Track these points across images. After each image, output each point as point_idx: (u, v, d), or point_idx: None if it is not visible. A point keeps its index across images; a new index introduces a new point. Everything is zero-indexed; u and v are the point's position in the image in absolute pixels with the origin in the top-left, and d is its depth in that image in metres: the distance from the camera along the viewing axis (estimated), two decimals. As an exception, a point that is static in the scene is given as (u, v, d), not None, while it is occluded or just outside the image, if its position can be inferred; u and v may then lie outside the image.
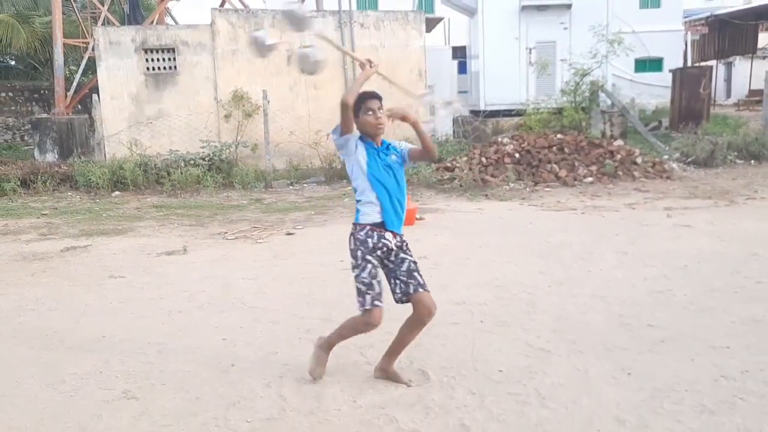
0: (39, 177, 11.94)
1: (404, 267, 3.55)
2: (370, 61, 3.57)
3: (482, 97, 16.75)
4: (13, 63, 24.63)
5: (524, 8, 16.56)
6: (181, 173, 11.78)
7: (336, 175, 12.36)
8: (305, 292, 5.61)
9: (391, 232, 3.54)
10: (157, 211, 10.00)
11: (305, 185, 12.19)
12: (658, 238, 7.18)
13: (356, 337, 4.33)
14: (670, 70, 19.50)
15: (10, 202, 11.00)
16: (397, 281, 3.55)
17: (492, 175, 11.34)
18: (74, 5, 18.54)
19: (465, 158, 11.85)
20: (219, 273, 6.33)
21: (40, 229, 8.78)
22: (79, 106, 18.27)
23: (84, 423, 3.35)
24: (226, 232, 8.22)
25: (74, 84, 16.65)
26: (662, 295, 5.12)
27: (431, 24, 18.38)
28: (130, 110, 13.64)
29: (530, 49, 16.93)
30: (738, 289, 5.19)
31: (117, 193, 11.70)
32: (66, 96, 16.10)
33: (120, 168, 12.00)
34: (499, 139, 12.55)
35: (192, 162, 12.17)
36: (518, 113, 15.27)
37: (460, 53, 21.25)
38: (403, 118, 3.50)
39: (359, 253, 3.50)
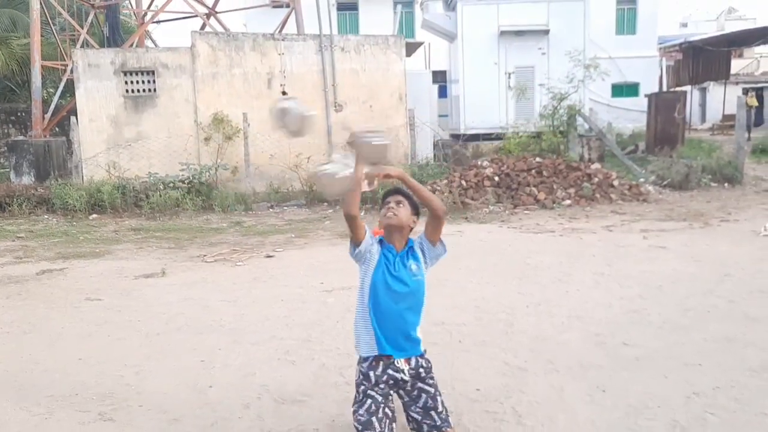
0: (15, 200, 11.84)
1: (420, 403, 3.02)
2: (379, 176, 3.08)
3: (462, 121, 16.99)
4: (-10, 85, 24.44)
5: (503, 33, 16.89)
6: (160, 196, 11.74)
7: (316, 197, 12.38)
8: (284, 314, 5.60)
9: (404, 359, 3.02)
10: (136, 234, 9.94)
11: (285, 208, 12.20)
12: (634, 259, 7.28)
13: (336, 359, 4.37)
14: (646, 95, 19.95)
15: (-14, 224, 10.87)
16: (411, 416, 3.05)
17: (472, 198, 11.45)
18: (53, 27, 18.50)
19: (445, 181, 11.95)
20: (198, 295, 6.30)
21: (16, 252, 8.68)
22: (57, 129, 18.16)
23: (58, 446, 3.32)
24: (205, 255, 8.19)
25: (52, 106, 16.55)
26: (637, 315, 5.20)
27: (411, 48, 18.61)
28: (108, 132, 13.60)
29: (509, 74, 17.27)
30: (711, 309, 5.28)
31: (95, 215, 11.61)
32: (43, 118, 16.00)
33: (98, 191, 11.93)
34: (479, 163, 12.70)
35: (171, 185, 12.13)
36: (498, 137, 15.49)
37: (440, 77, 21.57)
38: (386, 176, 3.08)
39: (361, 387, 3.00)
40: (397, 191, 3.12)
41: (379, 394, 2.95)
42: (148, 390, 4.00)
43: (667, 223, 9.49)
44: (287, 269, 7.36)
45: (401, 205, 3.06)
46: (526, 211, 10.87)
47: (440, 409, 3.02)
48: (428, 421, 2.99)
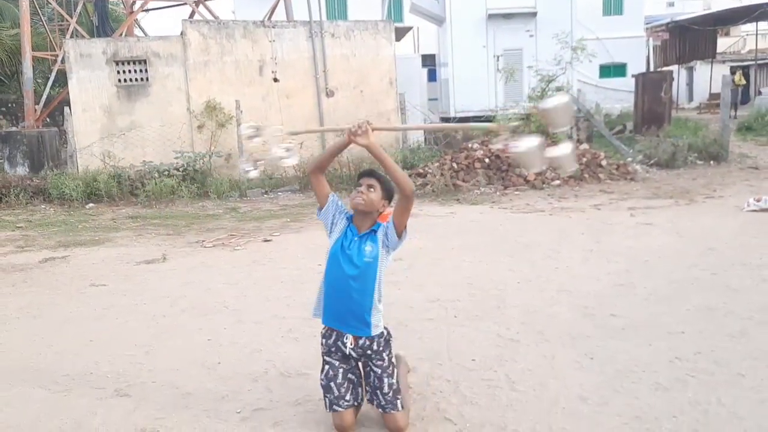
0: (11, 190, 11.93)
1: (369, 380, 3.24)
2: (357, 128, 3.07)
3: (452, 104, 17.13)
4: (-22, 76, 24.33)
5: (491, 16, 17.00)
6: (156, 184, 11.87)
7: (309, 183, 12.52)
8: (285, 294, 5.80)
9: (352, 335, 3.18)
10: (133, 222, 10.08)
11: (280, 194, 12.36)
12: (622, 236, 7.52)
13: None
14: (633, 75, 20.14)
15: (-17, 215, 10.98)
16: (366, 389, 3.29)
17: (463, 180, 11.65)
18: (42, 17, 18.47)
19: (437, 164, 12.13)
20: (199, 279, 6.48)
21: (17, 242, 8.82)
22: (48, 120, 18.17)
23: (79, 419, 3.51)
24: (203, 241, 8.36)
25: (43, 97, 16.58)
26: (624, 288, 5.43)
27: (401, 33, 18.71)
28: (102, 122, 13.66)
29: (498, 57, 17.40)
30: (694, 281, 5.53)
31: (91, 205, 11.73)
32: (35, 109, 16.03)
33: (94, 180, 12.03)
34: (470, 145, 12.88)
35: (166, 173, 12.26)
36: (487, 119, 15.61)
37: (429, 61, 21.66)
38: (352, 142, 3.07)
39: (322, 351, 3.27)
40: (371, 173, 3.23)
41: (336, 360, 3.21)
42: (159, 368, 4.20)
43: (654, 200, 9.74)
44: (285, 252, 7.55)
45: (372, 189, 3.16)
46: (516, 192, 11.09)
47: (386, 390, 3.16)
48: (376, 399, 3.21)
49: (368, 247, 3.15)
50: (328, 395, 3.19)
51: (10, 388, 3.98)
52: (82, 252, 8.04)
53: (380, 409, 3.20)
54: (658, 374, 3.70)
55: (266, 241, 8.23)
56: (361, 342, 3.19)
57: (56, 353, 4.59)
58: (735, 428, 3.11)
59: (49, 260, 7.63)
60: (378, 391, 3.19)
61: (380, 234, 3.18)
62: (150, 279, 6.62)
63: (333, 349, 3.23)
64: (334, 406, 3.17)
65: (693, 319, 4.61)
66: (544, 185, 11.40)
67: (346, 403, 3.17)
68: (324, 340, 3.26)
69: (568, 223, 8.47)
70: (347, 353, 3.20)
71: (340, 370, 3.21)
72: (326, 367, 3.23)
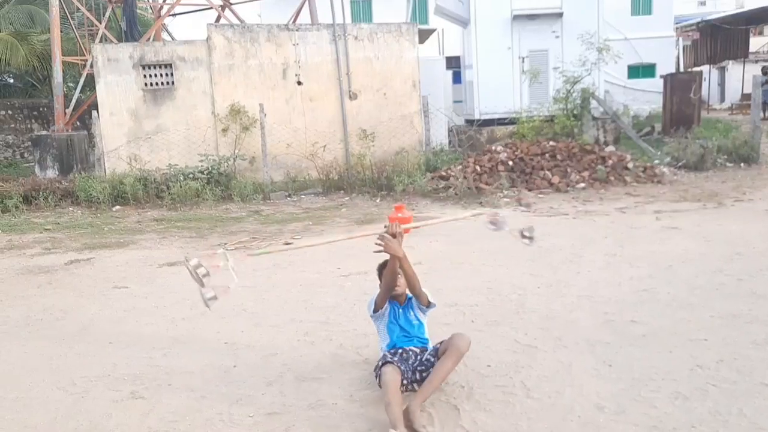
0: (41, 193, 12.16)
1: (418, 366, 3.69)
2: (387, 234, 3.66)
3: (476, 107, 17.00)
4: (11, 81, 24.92)
5: (516, 17, 16.85)
6: (181, 187, 12.00)
7: (333, 186, 12.58)
8: (304, 298, 5.81)
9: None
10: (158, 224, 10.20)
11: (303, 196, 12.41)
12: (646, 240, 7.38)
13: (354, 340, 4.56)
14: (662, 76, 19.80)
15: (13, 218, 11.22)
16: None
17: (486, 183, 11.56)
18: (71, 23, 18.82)
19: (459, 167, 12.07)
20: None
21: (44, 244, 8.98)
22: (78, 123, 18.52)
23: (95, 421, 3.55)
24: (225, 244, 8.41)
25: (73, 101, 16.89)
26: (646, 294, 5.33)
27: (424, 35, 18.65)
28: (129, 126, 13.88)
29: (523, 58, 17.21)
30: (719, 287, 5.40)
31: (117, 207, 11.91)
32: (65, 113, 16.35)
33: (120, 183, 12.22)
34: (493, 148, 12.79)
35: (191, 176, 12.38)
36: (512, 121, 15.52)
37: (454, 63, 21.55)
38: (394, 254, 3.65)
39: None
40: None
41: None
42: (176, 370, 4.23)
43: (681, 204, 9.55)
44: (305, 256, 7.55)
45: (400, 276, 3.82)
46: (540, 195, 10.97)
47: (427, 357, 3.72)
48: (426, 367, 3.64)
49: (411, 315, 3.94)
50: (381, 360, 3.62)
51: (29, 389, 4.05)
52: (107, 254, 8.16)
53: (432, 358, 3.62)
54: (678, 383, 3.61)
55: (287, 244, 8.25)
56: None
57: (77, 354, 4.65)
58: (756, 440, 3.02)
59: (74, 262, 7.75)
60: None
61: (414, 303, 3.95)
62: (172, 281, 6.69)
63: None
64: (387, 361, 3.54)
65: (716, 326, 4.50)
66: (568, 188, 11.26)
67: (396, 362, 3.54)
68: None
69: (591, 226, 8.35)
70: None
71: (396, 357, 3.66)
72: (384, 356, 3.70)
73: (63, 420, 3.59)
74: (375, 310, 3.93)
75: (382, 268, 3.99)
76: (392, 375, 3.43)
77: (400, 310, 3.93)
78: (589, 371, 3.85)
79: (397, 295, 3.92)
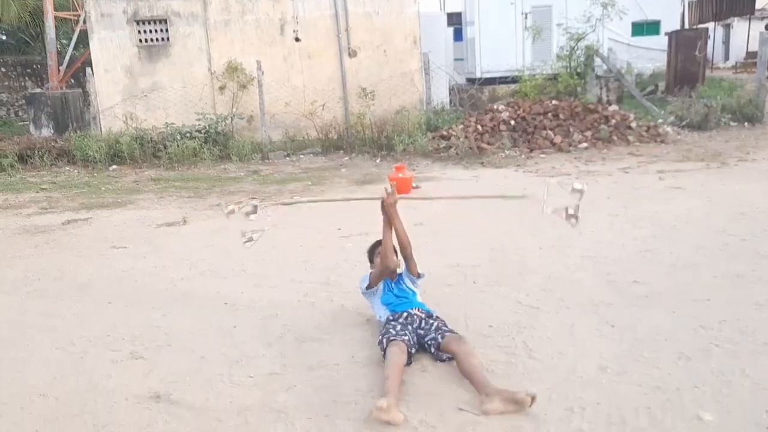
0: (36, 152, 12.04)
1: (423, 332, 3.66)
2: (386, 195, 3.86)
3: (478, 65, 16.76)
4: (4, 37, 24.45)
5: (518, -27, 16.47)
6: (178, 146, 11.86)
7: (332, 145, 12.44)
8: (303, 258, 5.77)
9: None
10: (155, 184, 10.11)
11: (302, 156, 12.28)
12: (649, 200, 7.31)
13: (355, 300, 4.52)
14: (666, 33, 19.45)
15: (9, 177, 11.12)
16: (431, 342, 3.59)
17: (488, 143, 11.43)
18: (64, -23, 18.38)
19: (461, 126, 11.91)
20: (219, 242, 6.47)
21: (41, 203, 8.91)
22: (72, 80, 18.23)
23: (95, 381, 3.53)
24: (224, 203, 8.33)
25: (67, 58, 16.59)
26: (649, 254, 5.28)
27: (425, -9, 18.23)
28: (124, 83, 13.66)
29: (526, 14, 16.90)
30: (723, 247, 5.35)
31: (114, 166, 11.79)
32: (59, 70, 16.07)
33: (117, 142, 12.07)
34: (495, 107, 12.61)
35: (188, 135, 12.23)
36: (514, 80, 15.28)
37: (456, 20, 21.13)
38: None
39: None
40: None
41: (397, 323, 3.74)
42: (176, 331, 4.20)
43: (684, 163, 9.46)
44: (305, 216, 7.49)
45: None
46: (542, 155, 10.86)
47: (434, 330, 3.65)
48: (439, 333, 3.58)
49: (404, 286, 4.00)
50: (386, 336, 3.53)
51: (29, 348, 4.02)
52: (105, 214, 8.09)
53: (439, 337, 3.53)
54: (681, 343, 3.59)
55: (286, 204, 8.18)
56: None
57: (75, 315, 4.62)
58: (759, 400, 3.00)
59: (72, 222, 7.69)
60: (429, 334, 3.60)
61: (405, 278, 4.05)
62: (170, 242, 6.64)
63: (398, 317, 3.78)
64: (391, 339, 3.47)
65: (719, 286, 4.46)
66: (571, 148, 11.13)
67: (402, 337, 3.49)
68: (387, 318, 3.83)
69: (594, 187, 8.24)
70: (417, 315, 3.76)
71: (399, 325, 3.63)
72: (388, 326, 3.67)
73: (62, 379, 3.57)
74: (368, 287, 3.99)
75: (372, 250, 4.15)
76: (399, 357, 3.33)
77: (393, 284, 4.00)
78: (592, 332, 3.82)
79: (391, 272, 3.96)
